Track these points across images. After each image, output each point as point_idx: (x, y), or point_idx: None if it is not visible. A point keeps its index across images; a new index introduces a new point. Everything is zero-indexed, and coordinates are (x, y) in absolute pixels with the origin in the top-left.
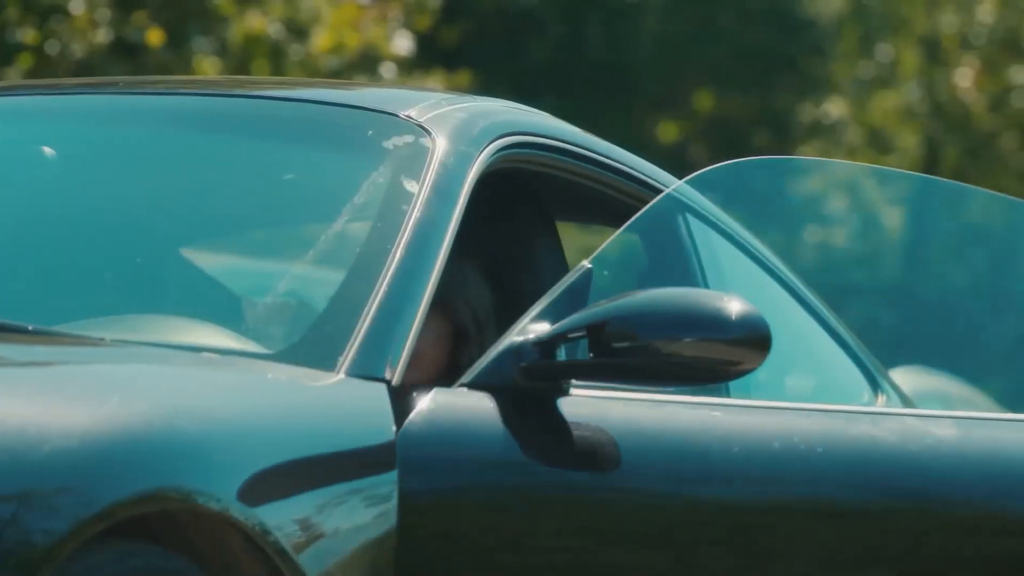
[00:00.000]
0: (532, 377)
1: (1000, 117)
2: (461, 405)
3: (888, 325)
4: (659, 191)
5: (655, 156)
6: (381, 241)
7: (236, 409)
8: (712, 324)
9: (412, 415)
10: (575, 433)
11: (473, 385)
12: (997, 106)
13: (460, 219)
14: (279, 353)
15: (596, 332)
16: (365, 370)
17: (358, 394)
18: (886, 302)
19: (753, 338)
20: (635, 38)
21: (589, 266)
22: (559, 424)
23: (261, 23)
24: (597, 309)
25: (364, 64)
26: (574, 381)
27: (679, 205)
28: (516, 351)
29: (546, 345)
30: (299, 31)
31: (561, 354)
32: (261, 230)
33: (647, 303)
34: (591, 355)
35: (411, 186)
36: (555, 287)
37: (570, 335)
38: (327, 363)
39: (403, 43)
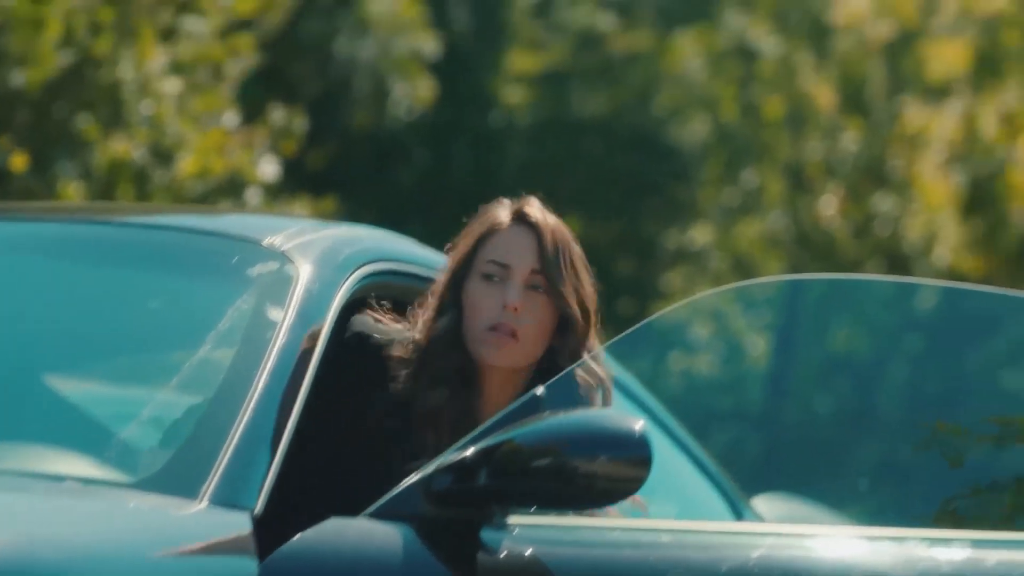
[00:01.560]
0: (445, 504)
1: (864, 244)
2: (340, 535)
3: (751, 452)
4: None
5: None
6: (245, 368)
7: (97, 539)
8: (623, 442)
9: (283, 546)
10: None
11: (378, 515)
12: (861, 233)
13: (325, 345)
14: (142, 481)
15: (511, 453)
16: (228, 498)
17: (220, 523)
18: (750, 429)
19: (648, 455)
20: (501, 164)
21: (540, 393)
22: (466, 557)
23: (126, 148)
24: (512, 431)
25: (230, 189)
26: (510, 510)
27: None
28: (428, 478)
29: (461, 470)
30: (164, 156)
31: (482, 480)
32: (125, 357)
33: (564, 423)
34: (502, 480)
35: (275, 313)
36: (497, 415)
37: (486, 456)
38: (190, 491)
39: (269, 168)
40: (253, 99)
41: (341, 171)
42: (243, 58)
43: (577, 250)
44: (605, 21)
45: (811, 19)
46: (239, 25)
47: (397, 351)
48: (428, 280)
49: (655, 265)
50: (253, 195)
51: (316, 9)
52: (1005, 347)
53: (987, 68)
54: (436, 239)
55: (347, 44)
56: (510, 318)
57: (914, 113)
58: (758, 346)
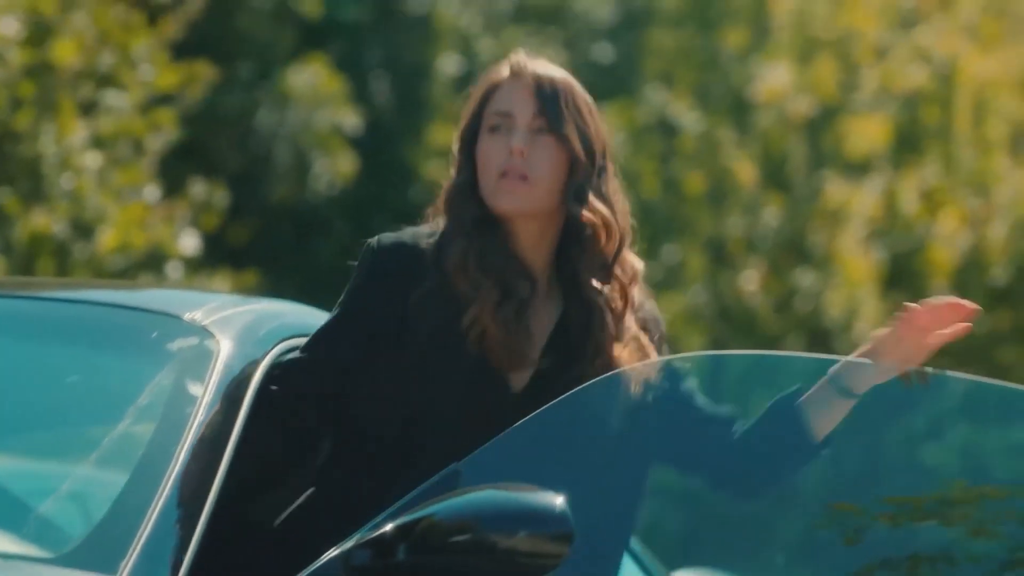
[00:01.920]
0: None
1: (785, 320)
2: None
3: (673, 527)
4: None
5: None
6: (165, 444)
7: None
8: (543, 518)
9: None
10: None
11: None
12: (782, 309)
13: (246, 421)
14: (61, 557)
15: (431, 528)
16: (147, 575)
17: None
18: (671, 503)
19: (569, 531)
20: None
21: (459, 468)
22: None
23: (47, 222)
24: (431, 506)
25: (151, 263)
26: None
27: None
28: (346, 553)
29: (380, 545)
30: (85, 230)
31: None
32: (45, 432)
33: (484, 499)
34: (421, 555)
35: (195, 389)
36: (415, 491)
37: (405, 532)
38: (109, 567)
39: (190, 242)
40: (174, 173)
41: (262, 245)
42: (164, 132)
43: (580, 93)
44: None
45: (732, 95)
46: (160, 99)
47: (426, 242)
48: None
49: None
50: (174, 269)
51: (237, 83)
52: (924, 424)
53: (907, 144)
54: None
55: (268, 118)
56: (518, 162)
57: (835, 189)
58: None
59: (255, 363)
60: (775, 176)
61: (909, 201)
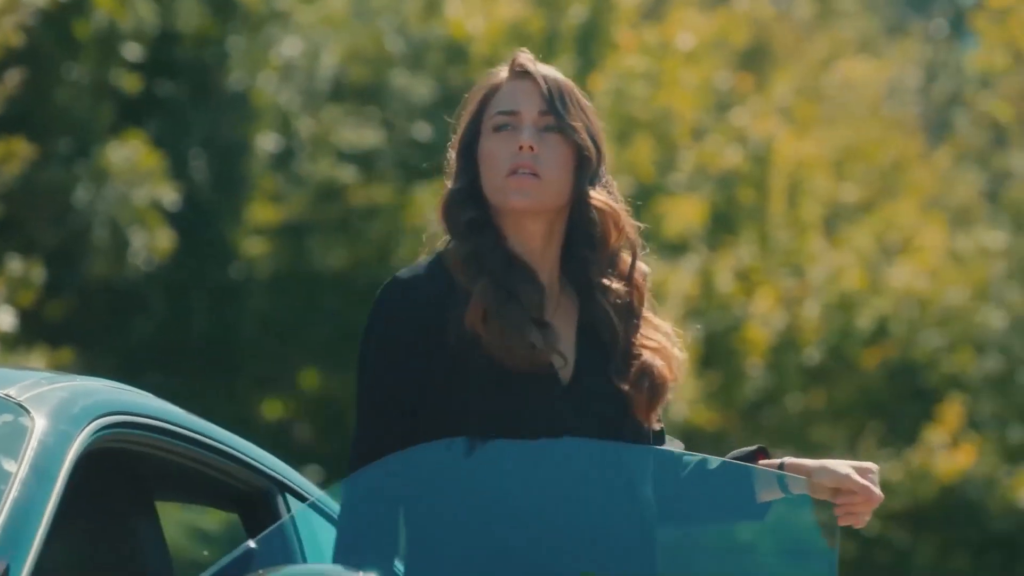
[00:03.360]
0: None
1: None
2: None
3: None
4: (258, 470)
5: (260, 434)
6: None
7: None
8: None
9: None
10: None
11: None
12: None
13: (60, 498)
14: None
15: None
16: None
17: None
18: None
19: None
20: (240, 316)
21: (253, 545)
22: None
23: None
24: None
25: None
26: None
27: (280, 486)
28: None
29: None
30: None
31: None
32: None
33: None
34: None
35: (9, 465)
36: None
37: None
38: None
39: (6, 318)
40: None
41: (79, 322)
42: None
43: (582, 94)
44: (346, 174)
45: None
46: None
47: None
48: (163, 432)
49: None
50: None
51: (55, 159)
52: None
53: (723, 224)
54: (174, 391)
55: (86, 194)
56: (528, 158)
57: (652, 268)
58: None
59: (69, 440)
60: None
61: (725, 281)
